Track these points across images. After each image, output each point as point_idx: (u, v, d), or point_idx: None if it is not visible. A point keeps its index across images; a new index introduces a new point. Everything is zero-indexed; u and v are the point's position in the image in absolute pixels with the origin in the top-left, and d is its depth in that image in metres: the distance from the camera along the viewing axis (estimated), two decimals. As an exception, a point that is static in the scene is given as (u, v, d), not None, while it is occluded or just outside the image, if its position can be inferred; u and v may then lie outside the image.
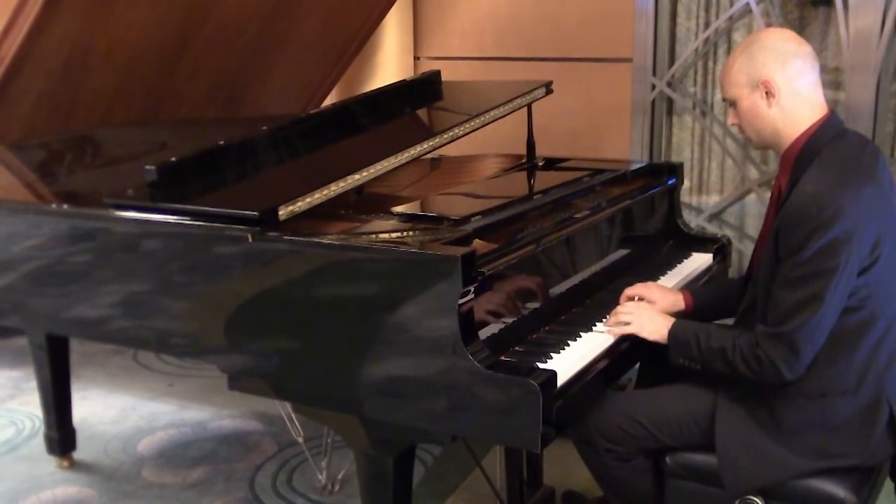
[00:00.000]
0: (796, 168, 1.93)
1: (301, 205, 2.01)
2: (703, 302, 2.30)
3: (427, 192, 2.59)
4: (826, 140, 1.92)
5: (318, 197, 2.06)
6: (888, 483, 2.09)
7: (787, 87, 1.92)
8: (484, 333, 1.89)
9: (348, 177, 2.15)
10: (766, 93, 1.93)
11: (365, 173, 2.19)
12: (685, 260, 2.75)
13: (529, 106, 2.83)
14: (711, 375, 2.00)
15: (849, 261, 1.79)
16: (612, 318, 2.13)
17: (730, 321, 2.18)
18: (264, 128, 2.43)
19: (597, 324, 2.15)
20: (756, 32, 2.10)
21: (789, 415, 1.92)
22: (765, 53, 1.93)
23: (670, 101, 3.90)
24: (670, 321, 2.06)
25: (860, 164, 1.90)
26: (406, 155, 2.32)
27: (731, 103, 2.01)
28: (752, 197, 3.81)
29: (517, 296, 2.06)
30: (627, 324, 2.09)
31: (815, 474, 1.92)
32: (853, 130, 2.01)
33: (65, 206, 2.39)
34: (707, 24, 3.77)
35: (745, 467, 1.94)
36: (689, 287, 2.43)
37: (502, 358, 1.89)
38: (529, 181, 2.77)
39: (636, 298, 2.27)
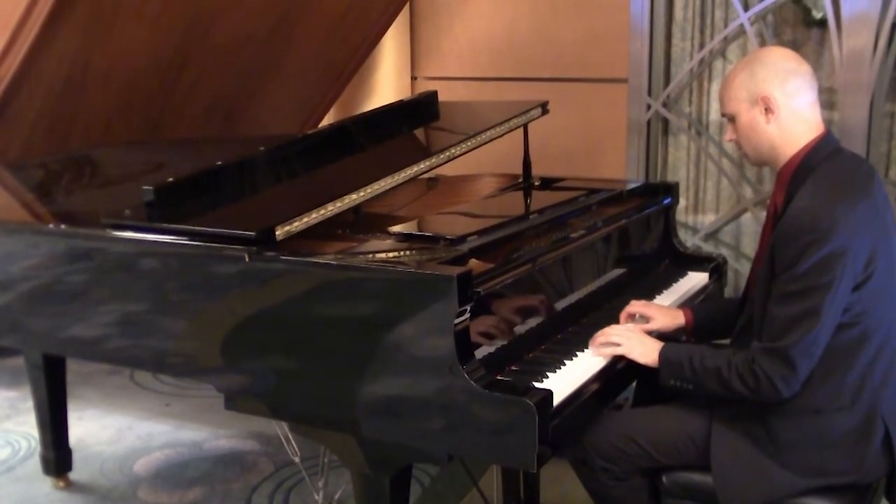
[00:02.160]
0: (792, 185, 1.95)
1: (298, 224, 2.02)
2: (702, 319, 2.31)
3: (424, 212, 2.60)
4: (821, 157, 1.94)
5: (315, 217, 2.07)
6: (884, 502, 2.09)
7: (785, 105, 1.94)
8: (480, 353, 1.89)
9: (345, 196, 2.16)
10: (766, 109, 1.95)
11: (362, 193, 2.20)
12: (681, 279, 2.76)
13: (526, 126, 2.84)
14: (705, 397, 2.00)
15: (843, 275, 1.80)
16: (600, 338, 2.11)
17: (725, 342, 2.19)
18: (262, 147, 2.44)
19: (593, 343, 2.15)
20: (757, 50, 2.12)
21: (785, 432, 1.92)
22: (765, 70, 1.95)
23: (666, 121, 3.92)
24: (660, 344, 2.06)
25: (855, 181, 1.92)
26: (403, 175, 2.33)
27: (730, 118, 2.03)
28: (747, 216, 3.83)
29: (513, 315, 2.06)
30: (617, 345, 2.08)
31: (810, 492, 1.92)
32: (849, 150, 2.04)
33: (62, 226, 2.40)
34: (702, 45, 3.80)
35: (740, 485, 1.94)
36: (688, 305, 2.44)
37: (498, 377, 1.90)
38: (526, 201, 2.78)
39: (636, 316, 2.28)
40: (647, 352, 2.05)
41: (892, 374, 1.94)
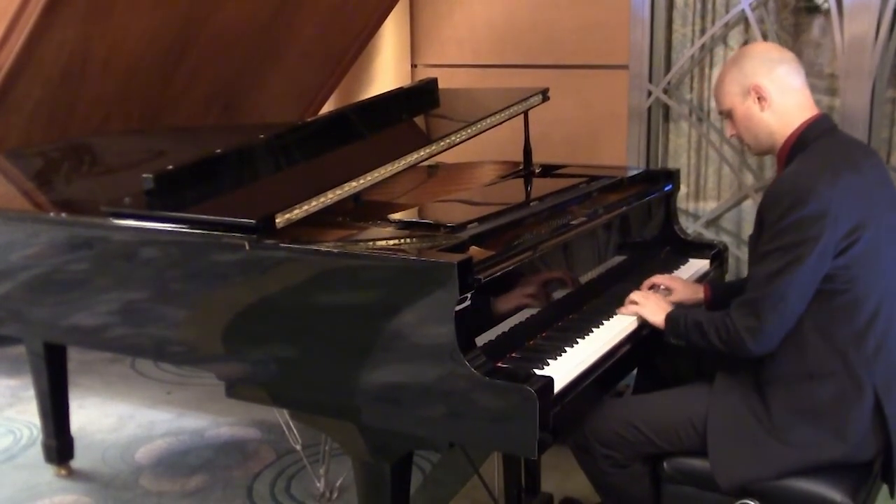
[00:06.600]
0: (787, 163, 2.02)
1: (298, 212, 2.02)
2: (720, 294, 2.38)
3: (424, 200, 2.59)
4: (814, 136, 2.01)
5: (315, 204, 2.06)
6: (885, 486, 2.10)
7: (776, 91, 2.03)
8: (481, 340, 1.89)
9: (345, 184, 2.15)
10: (758, 98, 2.04)
11: (362, 181, 2.20)
12: (682, 266, 2.76)
13: (526, 113, 2.84)
14: (704, 382, 2.06)
15: (820, 239, 1.84)
16: (628, 299, 2.24)
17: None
18: (261, 135, 2.44)
19: (593, 330, 2.16)
20: (741, 48, 2.22)
21: (780, 403, 1.95)
22: (752, 62, 2.05)
23: (667, 108, 3.91)
24: (671, 308, 2.16)
25: (844, 156, 1.98)
26: (403, 162, 2.32)
27: (727, 114, 2.12)
28: (748, 203, 3.82)
29: (514, 302, 2.06)
30: (636, 303, 2.21)
31: (807, 471, 1.93)
32: (847, 133, 2.09)
33: (62, 215, 2.40)
34: (703, 31, 3.78)
35: (735, 462, 1.96)
36: (707, 280, 2.57)
37: (499, 364, 1.90)
38: (526, 188, 2.78)
39: (661, 287, 2.40)
40: (656, 311, 2.16)
41: (885, 346, 1.97)
